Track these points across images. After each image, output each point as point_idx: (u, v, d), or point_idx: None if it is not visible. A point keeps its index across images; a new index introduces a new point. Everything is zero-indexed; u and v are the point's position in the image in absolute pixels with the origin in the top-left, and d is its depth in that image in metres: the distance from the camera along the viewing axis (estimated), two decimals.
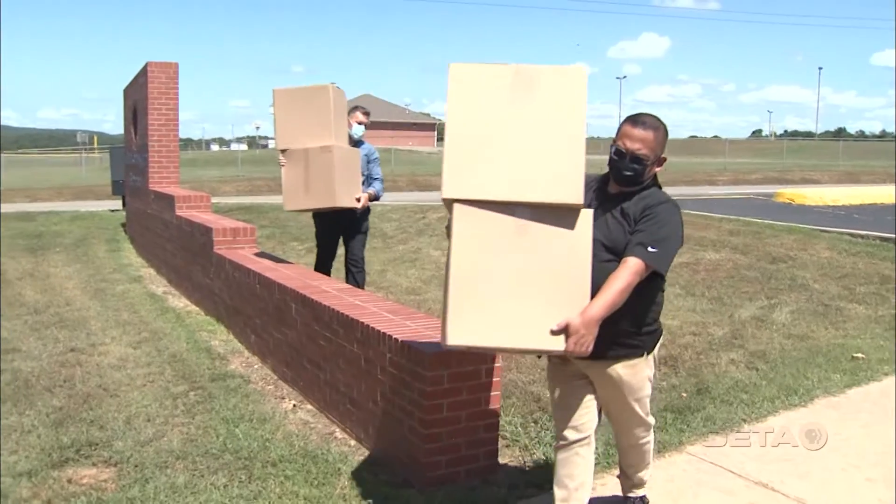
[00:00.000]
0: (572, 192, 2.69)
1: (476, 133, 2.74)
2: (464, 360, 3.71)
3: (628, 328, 2.93)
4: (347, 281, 6.82)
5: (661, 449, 4.17)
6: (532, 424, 4.50)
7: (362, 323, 4.22)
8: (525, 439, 4.30)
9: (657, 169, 3.02)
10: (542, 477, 3.82)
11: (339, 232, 6.95)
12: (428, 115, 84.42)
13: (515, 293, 2.71)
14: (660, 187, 3.07)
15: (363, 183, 6.61)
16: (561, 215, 2.72)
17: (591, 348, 2.71)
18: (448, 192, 2.73)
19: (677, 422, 4.50)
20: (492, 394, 3.86)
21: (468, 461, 3.81)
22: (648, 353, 3.04)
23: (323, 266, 7.02)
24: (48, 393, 5.15)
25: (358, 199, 6.34)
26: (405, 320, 4.28)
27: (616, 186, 2.99)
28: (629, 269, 2.76)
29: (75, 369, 5.66)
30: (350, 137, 6.53)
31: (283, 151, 6.07)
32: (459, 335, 2.71)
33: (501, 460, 4.03)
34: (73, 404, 4.93)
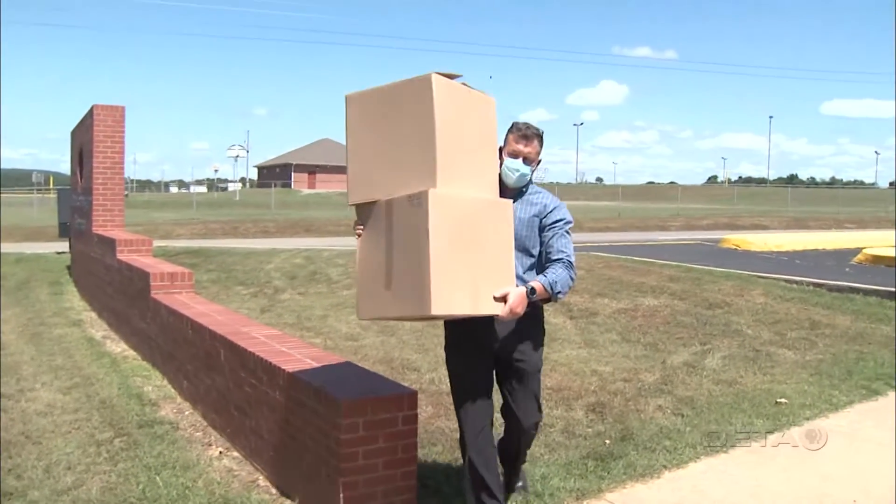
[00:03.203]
0: None
1: None
2: (379, 407, 3.73)
3: None
4: (505, 452, 4.04)
5: (580, 496, 4.22)
6: (455, 474, 4.51)
7: (283, 370, 4.23)
8: (446, 487, 4.31)
9: None
10: None
11: (491, 359, 3.79)
12: None
13: None
14: None
15: (527, 266, 3.70)
16: None
17: None
18: None
19: (598, 469, 4.55)
20: (409, 441, 3.87)
21: None
22: None
23: (475, 427, 3.74)
24: None
25: (504, 299, 3.40)
26: (327, 368, 4.30)
27: None
28: None
29: None
30: (501, 182, 3.67)
31: (358, 209, 3.48)
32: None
33: None
34: None
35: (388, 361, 7.00)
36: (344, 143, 3.54)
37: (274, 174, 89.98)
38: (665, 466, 4.64)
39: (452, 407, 5.57)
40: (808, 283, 10.28)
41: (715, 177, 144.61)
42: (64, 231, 16.05)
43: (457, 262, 3.25)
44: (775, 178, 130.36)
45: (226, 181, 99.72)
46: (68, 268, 14.12)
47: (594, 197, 72.49)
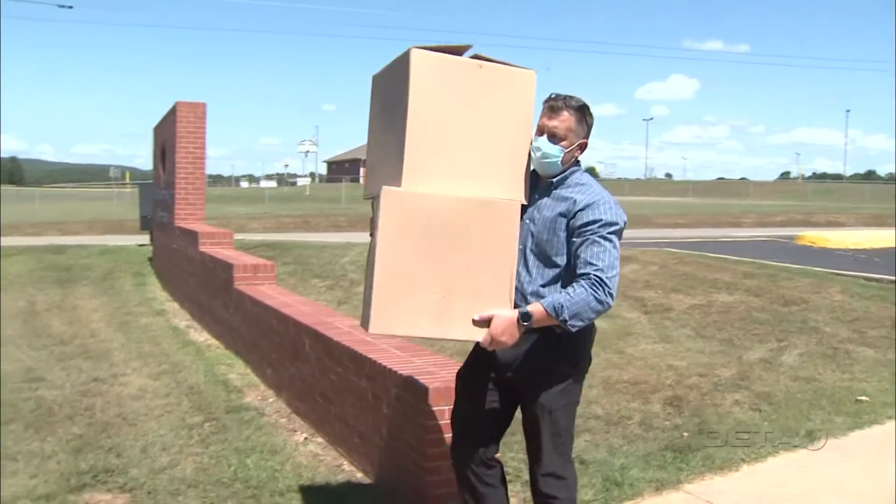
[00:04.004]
0: None
1: None
2: None
3: None
4: None
5: (660, 486, 4.28)
6: None
7: (370, 358, 4.38)
8: (526, 475, 4.40)
9: None
10: None
11: (499, 390, 3.16)
12: None
13: None
14: None
15: (548, 279, 2.91)
16: None
17: None
18: None
19: (676, 460, 4.60)
20: None
21: None
22: None
23: (462, 468, 3.27)
24: (69, 421, 5.35)
25: (487, 323, 2.82)
26: (412, 357, 4.43)
27: None
28: None
29: (96, 399, 5.87)
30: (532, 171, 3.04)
31: (373, 206, 3.00)
32: None
33: None
34: (93, 432, 5.12)
35: (464, 353, 7.03)
36: None
37: (343, 169, 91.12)
38: (743, 460, 4.66)
39: None
40: (888, 281, 10.09)
41: (788, 173, 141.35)
42: (145, 224, 16.59)
43: (418, 273, 2.78)
44: (852, 174, 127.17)
45: (295, 176, 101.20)
46: (150, 259, 14.58)
47: (663, 193, 71.71)
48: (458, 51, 2.87)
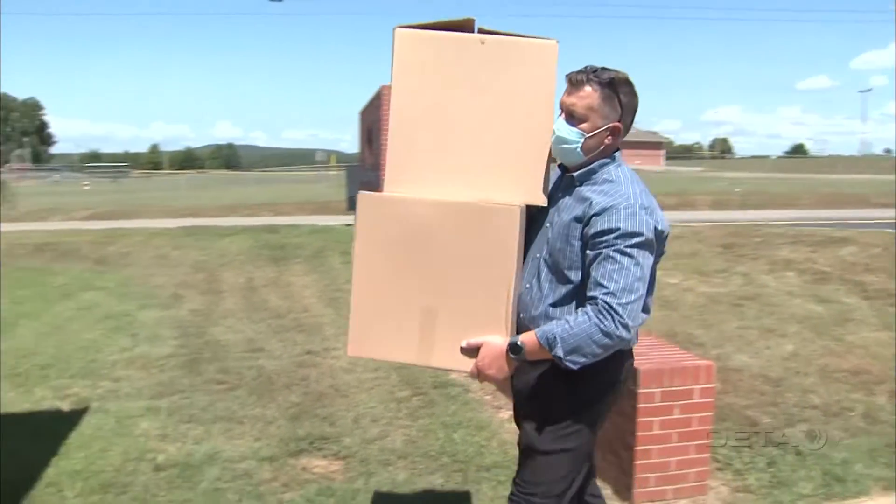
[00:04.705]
0: None
1: None
2: (676, 378, 3.74)
3: None
4: None
5: (888, 486, 4.01)
6: (746, 449, 4.42)
7: None
8: (738, 463, 4.24)
9: None
10: (752, 502, 3.78)
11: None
12: (655, 133, 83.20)
13: None
14: None
15: (561, 296, 2.38)
16: None
17: None
18: None
19: None
20: (704, 414, 3.85)
21: (677, 480, 3.83)
22: None
23: None
24: (287, 390, 5.68)
25: (475, 351, 2.37)
26: None
27: None
28: None
29: (310, 370, 6.18)
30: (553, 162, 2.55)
31: None
32: None
33: (712, 483, 4.00)
34: (308, 401, 5.41)
35: (672, 335, 6.92)
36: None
37: None
38: None
39: (741, 384, 5.46)
40: None
41: None
42: (352, 205, 17.31)
43: (399, 291, 2.42)
44: None
45: None
46: None
47: (882, 170, 66.44)
48: (461, 26, 2.46)
